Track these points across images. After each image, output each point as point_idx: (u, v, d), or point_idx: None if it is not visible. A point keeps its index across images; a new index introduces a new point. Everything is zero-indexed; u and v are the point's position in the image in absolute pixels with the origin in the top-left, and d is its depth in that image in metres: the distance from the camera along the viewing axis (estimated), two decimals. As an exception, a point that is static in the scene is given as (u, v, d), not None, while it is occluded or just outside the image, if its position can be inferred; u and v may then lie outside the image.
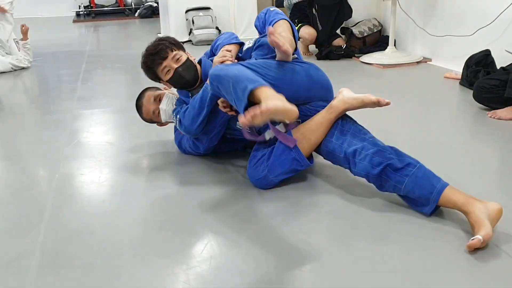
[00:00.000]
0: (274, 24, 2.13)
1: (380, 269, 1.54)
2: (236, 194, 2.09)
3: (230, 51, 2.26)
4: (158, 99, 2.49)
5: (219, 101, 2.11)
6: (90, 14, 10.02)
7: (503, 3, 3.59)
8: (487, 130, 2.77)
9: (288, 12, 5.20)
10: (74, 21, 9.48)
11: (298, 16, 5.01)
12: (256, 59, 2.16)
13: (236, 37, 2.36)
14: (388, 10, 4.92)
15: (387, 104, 2.01)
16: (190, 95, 2.37)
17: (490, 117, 2.92)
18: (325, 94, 2.17)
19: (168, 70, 2.28)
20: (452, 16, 4.19)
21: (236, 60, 2.23)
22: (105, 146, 2.75)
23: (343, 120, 2.09)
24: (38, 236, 1.81)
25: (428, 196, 1.79)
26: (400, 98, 3.36)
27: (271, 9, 2.25)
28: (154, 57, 2.29)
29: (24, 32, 5.01)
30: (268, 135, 2.02)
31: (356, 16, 5.16)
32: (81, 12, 10.17)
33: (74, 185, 2.24)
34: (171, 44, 2.32)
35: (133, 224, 1.89)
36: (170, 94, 2.50)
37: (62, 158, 2.54)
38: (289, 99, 1.92)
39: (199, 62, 2.41)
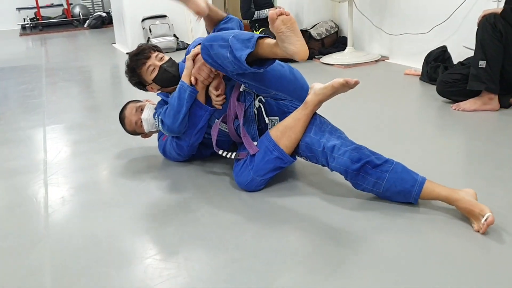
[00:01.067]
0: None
1: (384, 261, 1.64)
2: (227, 197, 2.15)
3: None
4: (140, 110, 2.52)
5: (211, 89, 2.24)
6: (37, 26, 9.80)
7: (457, 1, 3.81)
8: (453, 122, 2.95)
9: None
10: (20, 35, 9.25)
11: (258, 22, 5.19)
12: None
13: None
14: (344, 12, 5.10)
15: (356, 83, 1.99)
16: (169, 95, 2.41)
17: (454, 109, 3.10)
18: (303, 95, 2.22)
19: (153, 69, 2.33)
20: (408, 15, 4.39)
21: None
22: (87, 158, 2.74)
23: (320, 118, 2.17)
24: (44, 251, 1.81)
25: (410, 189, 1.88)
26: (365, 96, 3.51)
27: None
28: (138, 57, 2.34)
29: None
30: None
31: (313, 18, 5.32)
32: (27, 25, 9.93)
33: (66, 199, 2.24)
34: (153, 46, 2.40)
35: (135, 232, 1.92)
36: (151, 105, 2.53)
37: (47, 173, 2.53)
38: (272, 86, 2.14)
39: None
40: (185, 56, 2.50)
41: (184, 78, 2.25)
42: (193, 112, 2.26)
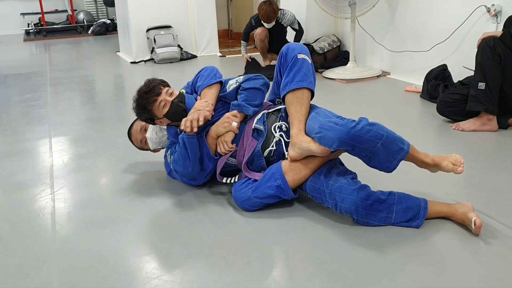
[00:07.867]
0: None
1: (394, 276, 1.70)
2: (232, 217, 2.20)
3: (207, 101, 2.34)
4: (144, 129, 2.59)
5: (227, 148, 2.30)
6: (41, 32, 9.86)
7: (456, 22, 3.87)
8: (452, 141, 3.00)
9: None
10: (25, 40, 9.32)
11: None
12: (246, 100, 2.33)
13: (216, 75, 2.44)
14: (346, 27, 5.16)
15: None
16: (178, 131, 2.42)
17: (454, 129, 3.15)
18: None
19: (164, 104, 2.35)
20: (409, 32, 4.46)
21: (213, 113, 2.33)
22: (93, 172, 2.79)
23: (334, 161, 2.23)
24: (51, 270, 1.85)
25: (417, 213, 1.99)
26: (366, 111, 3.54)
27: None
28: (148, 95, 2.34)
29: None
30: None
31: (315, 32, 5.38)
32: (31, 30, 10.00)
33: (73, 215, 2.29)
34: (161, 82, 2.42)
35: (141, 250, 1.96)
36: (154, 126, 2.57)
37: (54, 187, 2.58)
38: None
39: None
40: (191, 85, 2.53)
41: (208, 139, 2.34)
42: (204, 161, 2.34)
